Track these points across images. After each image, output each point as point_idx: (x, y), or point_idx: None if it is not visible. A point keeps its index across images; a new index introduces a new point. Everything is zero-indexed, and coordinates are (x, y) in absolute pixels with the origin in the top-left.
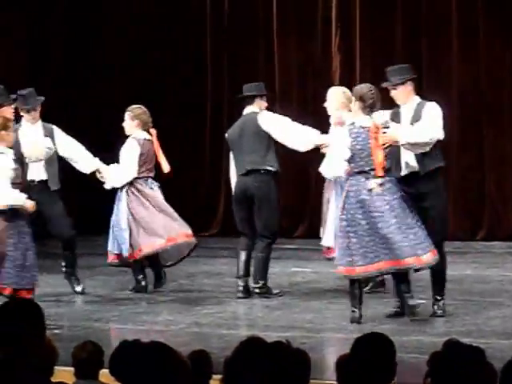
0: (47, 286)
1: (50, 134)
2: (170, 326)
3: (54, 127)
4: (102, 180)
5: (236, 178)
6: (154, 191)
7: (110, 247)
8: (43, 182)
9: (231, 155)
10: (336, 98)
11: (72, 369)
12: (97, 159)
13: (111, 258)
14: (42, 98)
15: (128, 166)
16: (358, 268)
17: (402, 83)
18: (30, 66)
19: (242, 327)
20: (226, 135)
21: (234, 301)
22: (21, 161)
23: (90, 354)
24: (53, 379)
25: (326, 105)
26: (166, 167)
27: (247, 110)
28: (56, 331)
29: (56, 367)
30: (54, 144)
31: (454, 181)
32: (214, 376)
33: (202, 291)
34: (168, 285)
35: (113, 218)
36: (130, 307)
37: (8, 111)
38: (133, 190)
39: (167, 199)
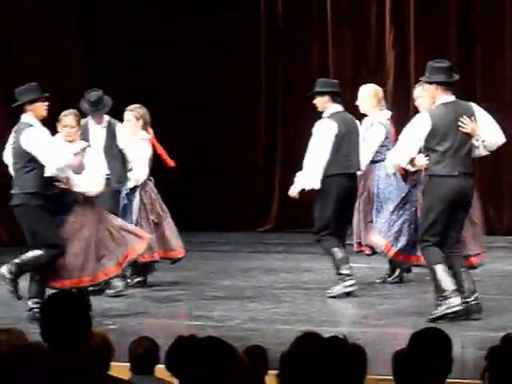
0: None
1: (112, 133)
2: (226, 321)
3: (118, 127)
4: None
5: (333, 175)
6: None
7: None
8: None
9: (326, 149)
10: (368, 96)
11: (128, 364)
12: (135, 175)
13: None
14: (109, 103)
15: (142, 165)
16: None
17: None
18: None
19: (297, 322)
20: (336, 129)
21: (290, 296)
22: None
23: (146, 350)
24: (109, 374)
25: (357, 103)
26: (170, 162)
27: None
28: (112, 327)
29: (112, 363)
30: (116, 141)
31: None
32: (270, 371)
33: (257, 286)
34: (222, 280)
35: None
36: (185, 303)
37: (41, 108)
38: (146, 190)
39: (224, 195)
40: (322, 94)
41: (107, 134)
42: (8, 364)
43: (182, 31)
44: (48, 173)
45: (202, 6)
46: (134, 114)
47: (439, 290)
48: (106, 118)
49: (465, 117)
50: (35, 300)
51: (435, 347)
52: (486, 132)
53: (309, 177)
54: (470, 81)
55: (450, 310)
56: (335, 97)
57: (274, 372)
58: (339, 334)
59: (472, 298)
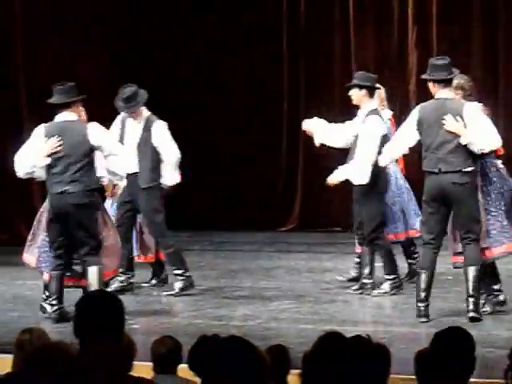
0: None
1: (148, 130)
2: (248, 320)
3: (155, 124)
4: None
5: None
6: None
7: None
8: (134, 176)
9: (376, 146)
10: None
11: (151, 364)
12: (170, 175)
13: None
14: (144, 97)
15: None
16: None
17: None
18: None
19: (319, 322)
20: (384, 128)
21: (312, 296)
22: None
23: (169, 349)
24: (132, 374)
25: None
26: None
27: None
28: (134, 326)
29: (135, 362)
30: (151, 138)
31: None
32: (292, 371)
33: (279, 286)
34: (245, 280)
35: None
36: (208, 302)
37: (79, 108)
38: None
39: (246, 195)
40: (361, 87)
41: (143, 130)
42: (31, 363)
43: (193, 30)
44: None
45: (228, 5)
46: None
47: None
48: (146, 114)
49: (449, 115)
50: (55, 298)
51: (458, 347)
52: (473, 134)
53: (358, 172)
54: (493, 81)
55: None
56: (372, 92)
57: (297, 371)
58: (363, 333)
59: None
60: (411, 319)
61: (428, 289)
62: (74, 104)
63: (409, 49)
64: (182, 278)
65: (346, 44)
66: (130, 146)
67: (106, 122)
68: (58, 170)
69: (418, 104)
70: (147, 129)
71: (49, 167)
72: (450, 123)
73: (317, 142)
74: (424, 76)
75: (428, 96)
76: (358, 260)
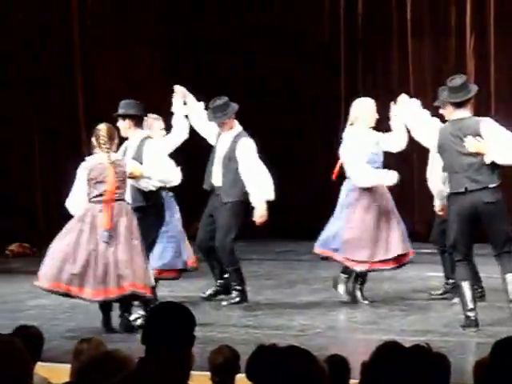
0: (182, 290)
1: (235, 144)
2: (306, 330)
3: (243, 139)
4: None
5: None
6: None
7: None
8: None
9: None
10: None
11: (208, 373)
12: (264, 196)
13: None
14: (234, 109)
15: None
16: None
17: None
18: None
19: (377, 332)
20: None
21: (370, 305)
22: None
23: (227, 359)
24: None
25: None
26: None
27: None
28: None
29: (192, 372)
30: (235, 158)
31: None
32: (351, 381)
33: (337, 296)
34: (303, 289)
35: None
36: (265, 311)
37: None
38: None
39: (307, 206)
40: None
41: (231, 144)
42: (88, 373)
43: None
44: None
45: (286, 19)
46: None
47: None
48: (238, 128)
49: (469, 136)
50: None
51: None
52: (496, 151)
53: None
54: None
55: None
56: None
57: (355, 381)
58: (422, 342)
59: None
60: (470, 329)
61: (474, 298)
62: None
63: (467, 59)
64: (238, 292)
65: (404, 55)
66: (218, 158)
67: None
68: None
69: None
70: (235, 143)
71: None
72: (471, 145)
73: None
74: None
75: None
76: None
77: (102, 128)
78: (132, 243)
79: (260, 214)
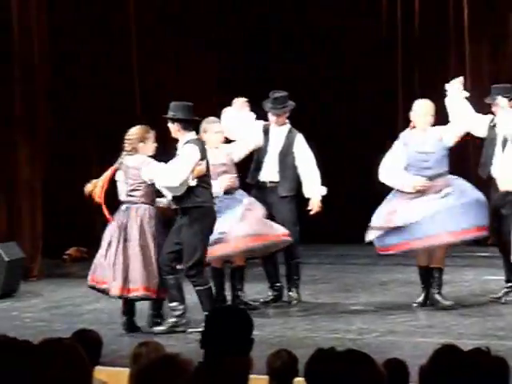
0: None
1: (291, 139)
2: (363, 334)
3: (298, 135)
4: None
5: None
6: None
7: None
8: (273, 184)
9: None
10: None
11: (267, 377)
12: (320, 188)
13: None
14: (292, 104)
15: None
16: None
17: None
18: None
19: (435, 335)
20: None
21: (427, 308)
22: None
23: (285, 363)
24: None
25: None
26: None
27: None
28: None
29: (250, 375)
30: (292, 147)
31: None
32: None
33: (395, 299)
34: (361, 293)
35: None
36: (323, 315)
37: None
38: None
39: (362, 208)
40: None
41: (286, 139)
42: (147, 377)
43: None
44: None
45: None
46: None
47: None
48: (288, 125)
49: None
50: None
51: None
52: None
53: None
54: None
55: None
56: None
57: None
58: (481, 346)
59: None
60: None
61: None
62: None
63: None
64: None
65: (461, 57)
66: (272, 154)
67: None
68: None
69: None
70: (290, 138)
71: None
72: None
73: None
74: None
75: None
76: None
77: (129, 130)
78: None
79: (318, 204)
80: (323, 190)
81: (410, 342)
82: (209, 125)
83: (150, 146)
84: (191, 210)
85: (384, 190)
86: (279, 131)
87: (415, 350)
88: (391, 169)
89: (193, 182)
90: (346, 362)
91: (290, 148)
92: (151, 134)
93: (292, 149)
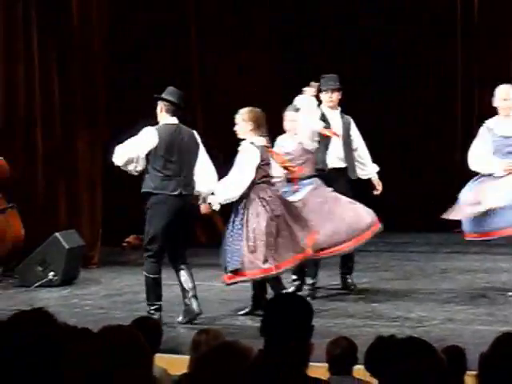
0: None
1: (347, 122)
2: (423, 321)
3: (350, 118)
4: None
5: None
6: None
7: None
8: (340, 170)
9: None
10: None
11: (326, 364)
12: (373, 165)
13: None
14: (330, 86)
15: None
16: None
17: None
18: None
19: (495, 323)
20: None
21: (487, 297)
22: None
23: (344, 350)
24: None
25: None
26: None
27: None
28: None
29: (310, 363)
30: (351, 136)
31: None
32: (469, 372)
33: (454, 287)
34: (420, 281)
35: None
36: (382, 303)
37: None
38: None
39: (422, 195)
40: None
41: (342, 122)
42: (207, 364)
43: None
44: None
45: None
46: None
47: None
48: (339, 108)
49: None
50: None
51: None
52: None
53: None
54: None
55: None
56: None
57: (473, 373)
58: None
59: None
60: None
61: None
62: None
63: None
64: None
65: None
66: (335, 139)
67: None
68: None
69: None
70: (346, 122)
71: None
72: None
73: None
74: None
75: None
76: None
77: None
78: None
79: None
80: (377, 168)
81: (470, 330)
82: (286, 112)
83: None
84: None
85: (438, 178)
86: (335, 115)
87: (475, 338)
88: (480, 155)
89: None
90: (406, 350)
91: (349, 131)
92: None
93: (350, 131)
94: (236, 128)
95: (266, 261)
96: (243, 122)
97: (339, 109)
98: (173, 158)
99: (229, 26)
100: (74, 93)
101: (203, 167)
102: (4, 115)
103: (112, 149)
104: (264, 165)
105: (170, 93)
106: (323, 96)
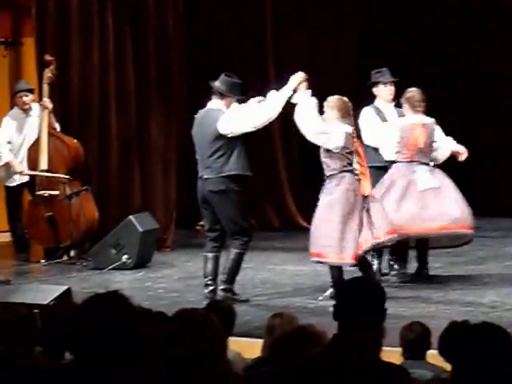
0: None
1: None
2: (496, 307)
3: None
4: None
5: None
6: None
7: None
8: None
9: None
10: None
11: (399, 349)
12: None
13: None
14: (388, 78)
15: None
16: None
17: None
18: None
19: None
20: None
21: None
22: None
23: (418, 335)
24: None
25: None
26: None
27: None
28: None
29: (383, 347)
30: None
31: None
32: None
33: None
34: (493, 266)
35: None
36: (455, 288)
37: (384, 91)
38: None
39: (495, 181)
40: None
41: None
42: (282, 348)
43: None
44: None
45: None
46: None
47: None
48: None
49: None
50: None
51: None
52: None
53: None
54: None
55: None
56: None
57: None
58: None
59: None
60: None
61: None
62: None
63: None
64: None
65: None
66: None
67: None
68: None
69: None
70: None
71: None
72: None
73: None
74: None
75: None
76: None
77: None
78: None
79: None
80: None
81: None
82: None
83: None
84: None
85: None
86: (390, 109)
87: None
88: None
89: None
90: (480, 335)
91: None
92: None
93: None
94: (323, 116)
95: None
96: (330, 109)
97: (393, 102)
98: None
99: (305, 11)
100: (148, 78)
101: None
102: (79, 100)
103: (188, 132)
104: (348, 153)
105: (219, 79)
106: (381, 89)
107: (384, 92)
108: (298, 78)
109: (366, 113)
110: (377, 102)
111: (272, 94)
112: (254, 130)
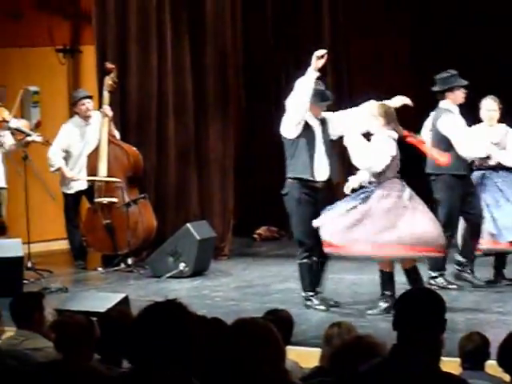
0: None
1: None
2: None
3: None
4: None
5: None
6: None
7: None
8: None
9: None
10: None
11: (458, 359)
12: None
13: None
14: (464, 82)
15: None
16: None
17: None
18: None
19: None
20: None
21: None
22: None
23: (477, 345)
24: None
25: None
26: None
27: None
28: None
29: (442, 357)
30: None
31: None
32: None
33: None
34: None
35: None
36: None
37: (460, 95)
38: None
39: None
40: None
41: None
42: (341, 357)
43: None
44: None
45: None
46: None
47: None
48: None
49: None
50: None
51: None
52: None
53: None
54: None
55: None
56: None
57: None
58: None
59: None
60: None
61: None
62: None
63: None
64: None
65: None
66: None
67: None
68: None
69: None
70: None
71: None
72: None
73: None
74: None
75: None
76: None
77: None
78: None
79: None
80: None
81: None
82: (483, 101)
83: None
84: None
85: None
86: (457, 111)
87: None
88: None
89: None
90: None
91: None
92: None
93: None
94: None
95: None
96: (374, 118)
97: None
98: None
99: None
100: (205, 85)
101: None
102: (137, 109)
103: (247, 138)
104: (397, 159)
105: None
106: (457, 93)
107: (459, 96)
108: (317, 55)
109: (452, 119)
110: (446, 106)
111: (299, 81)
112: (295, 121)
